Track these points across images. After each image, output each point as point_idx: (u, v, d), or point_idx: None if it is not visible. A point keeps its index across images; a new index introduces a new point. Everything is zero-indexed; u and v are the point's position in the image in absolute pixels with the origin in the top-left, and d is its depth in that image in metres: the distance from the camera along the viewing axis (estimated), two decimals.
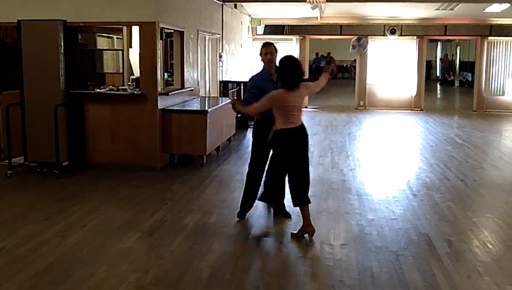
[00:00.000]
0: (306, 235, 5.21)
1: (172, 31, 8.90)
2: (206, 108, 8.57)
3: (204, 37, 10.44)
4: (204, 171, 7.94)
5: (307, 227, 5.24)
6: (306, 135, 5.37)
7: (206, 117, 8.01)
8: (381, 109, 16.48)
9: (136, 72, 8.84)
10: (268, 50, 5.61)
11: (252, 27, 15.97)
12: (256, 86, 5.56)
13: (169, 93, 8.16)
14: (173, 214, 5.92)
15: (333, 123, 13.68)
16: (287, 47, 16.80)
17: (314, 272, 4.49)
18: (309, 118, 14.55)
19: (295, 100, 5.20)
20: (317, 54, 30.04)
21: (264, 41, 5.88)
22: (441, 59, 31.56)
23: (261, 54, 5.67)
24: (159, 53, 7.88)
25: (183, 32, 8.92)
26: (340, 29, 16.67)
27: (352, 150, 10.04)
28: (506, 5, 12.62)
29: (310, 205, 5.34)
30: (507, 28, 15.91)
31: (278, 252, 4.87)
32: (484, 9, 13.38)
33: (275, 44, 5.75)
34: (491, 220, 5.99)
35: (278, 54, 5.68)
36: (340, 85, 27.39)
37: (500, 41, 16.35)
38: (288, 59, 5.29)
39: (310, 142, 5.54)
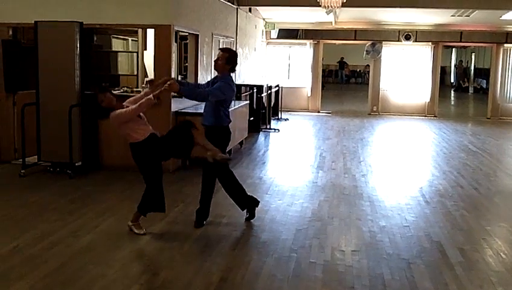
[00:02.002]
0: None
1: (187, 34, 8.92)
2: None
3: (219, 41, 10.46)
4: None
5: None
6: None
7: None
8: (394, 114, 16.41)
9: (150, 74, 8.87)
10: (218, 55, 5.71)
11: (266, 31, 15.99)
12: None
13: (183, 96, 8.15)
14: (184, 217, 5.93)
15: (346, 128, 13.64)
16: (301, 51, 16.86)
17: (325, 278, 4.46)
18: (322, 122, 14.56)
19: None
20: None
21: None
22: (455, 65, 31.38)
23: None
24: (174, 56, 7.89)
25: (197, 35, 8.95)
26: (354, 34, 16.64)
27: (365, 156, 10.00)
28: None
29: (321, 209, 5.31)
30: None
31: (289, 257, 4.84)
32: (500, 17, 13.27)
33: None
34: (506, 230, 5.94)
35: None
36: (354, 90, 27.38)
37: None
38: None
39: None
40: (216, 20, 10.21)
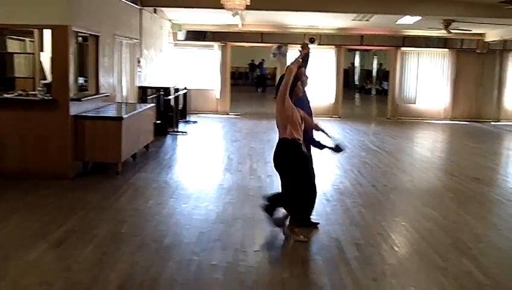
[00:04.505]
0: None
1: (87, 35, 8.65)
2: (121, 114, 8.38)
3: (122, 42, 10.23)
4: (119, 179, 7.76)
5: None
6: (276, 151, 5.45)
7: (121, 124, 7.84)
8: None
9: (49, 77, 8.51)
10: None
11: (172, 32, 15.84)
12: None
13: (82, 99, 7.91)
14: (84, 224, 5.74)
15: (254, 130, 13.80)
16: (209, 53, 16.87)
17: (225, 279, 4.48)
18: (230, 124, 14.65)
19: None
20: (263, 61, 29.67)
21: None
22: (360, 68, 32.65)
23: None
24: (71, 57, 7.62)
25: (98, 36, 8.70)
26: (261, 37, 16.86)
27: (271, 157, 10.11)
28: (417, 18, 13.26)
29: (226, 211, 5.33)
30: (418, 39, 16.72)
31: (191, 261, 4.81)
32: (396, 21, 13.98)
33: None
34: (399, 224, 6.25)
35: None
36: (265, 92, 27.76)
37: (412, 52, 17.18)
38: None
39: (272, 157, 5.68)
40: (118, 21, 9.98)
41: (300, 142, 5.30)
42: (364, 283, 4.47)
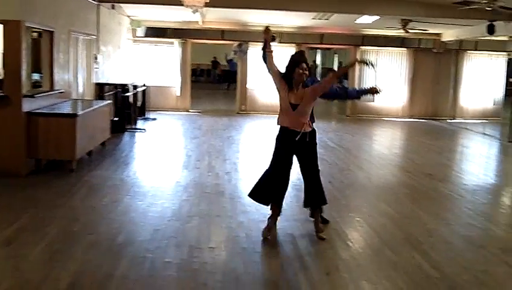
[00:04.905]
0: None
1: (41, 30, 8.46)
2: (76, 111, 8.24)
3: (78, 38, 10.05)
4: (73, 177, 7.62)
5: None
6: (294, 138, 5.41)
7: (75, 121, 7.71)
8: (262, 113, 16.83)
9: (1, 73, 8.29)
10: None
11: (131, 29, 15.65)
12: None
13: (36, 96, 7.74)
14: (35, 223, 5.62)
15: (214, 127, 13.77)
16: (169, 50, 16.73)
17: (179, 276, 4.46)
18: (190, 121, 14.58)
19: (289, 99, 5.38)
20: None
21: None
22: (322, 66, 32.93)
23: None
24: (24, 53, 7.45)
25: (52, 32, 8.52)
26: (222, 34, 16.81)
27: (230, 154, 10.15)
28: (376, 17, 13.47)
29: (182, 208, 5.30)
30: (377, 38, 16.98)
31: (144, 258, 4.77)
32: (355, 21, 14.16)
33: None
34: (354, 219, 6.34)
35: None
36: (226, 89, 27.68)
37: (371, 51, 17.42)
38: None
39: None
40: (74, 17, 9.79)
41: (290, 128, 5.43)
42: (317, 278, 4.53)
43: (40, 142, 7.63)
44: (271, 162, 5.58)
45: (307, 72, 5.35)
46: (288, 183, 5.60)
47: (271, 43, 5.68)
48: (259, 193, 5.58)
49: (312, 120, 5.67)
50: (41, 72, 9.49)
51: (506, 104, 16.66)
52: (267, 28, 5.57)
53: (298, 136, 5.38)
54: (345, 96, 6.59)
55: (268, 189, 5.55)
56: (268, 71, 5.59)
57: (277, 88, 5.51)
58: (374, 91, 5.91)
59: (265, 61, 5.60)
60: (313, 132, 5.58)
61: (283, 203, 5.67)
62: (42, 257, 4.75)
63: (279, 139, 5.55)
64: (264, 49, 5.58)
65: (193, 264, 4.69)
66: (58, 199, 6.53)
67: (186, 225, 5.77)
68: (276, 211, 5.58)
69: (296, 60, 5.38)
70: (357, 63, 6.17)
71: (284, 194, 5.61)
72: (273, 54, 5.57)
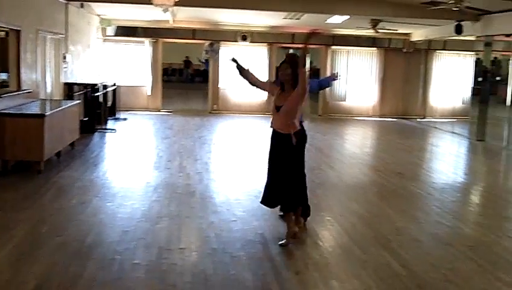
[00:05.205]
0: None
1: (7, 29, 8.31)
2: (44, 111, 8.11)
3: (46, 37, 9.88)
4: (41, 178, 7.50)
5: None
6: (280, 140, 5.37)
7: (43, 121, 7.59)
8: (234, 113, 16.83)
9: None
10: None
11: (101, 28, 15.46)
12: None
13: (2, 96, 7.60)
14: (1, 225, 5.51)
15: (185, 127, 13.70)
16: (140, 49, 16.59)
17: (147, 278, 4.42)
18: (162, 121, 14.49)
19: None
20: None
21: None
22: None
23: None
24: None
25: (19, 31, 8.37)
26: (193, 33, 16.73)
27: (202, 154, 10.11)
28: (346, 17, 13.58)
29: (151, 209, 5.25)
30: (347, 38, 17.12)
31: (112, 260, 4.72)
32: (326, 20, 14.25)
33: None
34: (324, 219, 6.36)
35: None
36: (198, 89, 27.55)
37: (342, 51, 17.58)
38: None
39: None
40: (42, 15, 9.63)
41: (276, 130, 5.45)
42: (286, 277, 4.54)
43: (7, 143, 7.49)
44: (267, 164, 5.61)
45: (288, 72, 5.33)
46: (288, 183, 5.44)
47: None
48: (264, 197, 5.59)
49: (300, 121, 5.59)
50: (8, 72, 9.31)
51: (475, 103, 16.96)
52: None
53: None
54: (327, 85, 7.29)
55: (270, 192, 5.54)
56: (257, 87, 5.71)
57: (272, 95, 5.62)
58: (333, 77, 6.71)
59: (248, 81, 5.65)
60: (301, 133, 5.49)
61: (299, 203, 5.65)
62: (8, 260, 4.66)
63: (270, 141, 5.57)
64: (240, 70, 5.62)
65: (162, 266, 4.66)
66: (26, 201, 6.42)
67: (155, 226, 5.72)
68: (290, 213, 5.50)
69: (281, 62, 5.47)
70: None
71: (290, 194, 5.45)
72: (250, 70, 5.65)
